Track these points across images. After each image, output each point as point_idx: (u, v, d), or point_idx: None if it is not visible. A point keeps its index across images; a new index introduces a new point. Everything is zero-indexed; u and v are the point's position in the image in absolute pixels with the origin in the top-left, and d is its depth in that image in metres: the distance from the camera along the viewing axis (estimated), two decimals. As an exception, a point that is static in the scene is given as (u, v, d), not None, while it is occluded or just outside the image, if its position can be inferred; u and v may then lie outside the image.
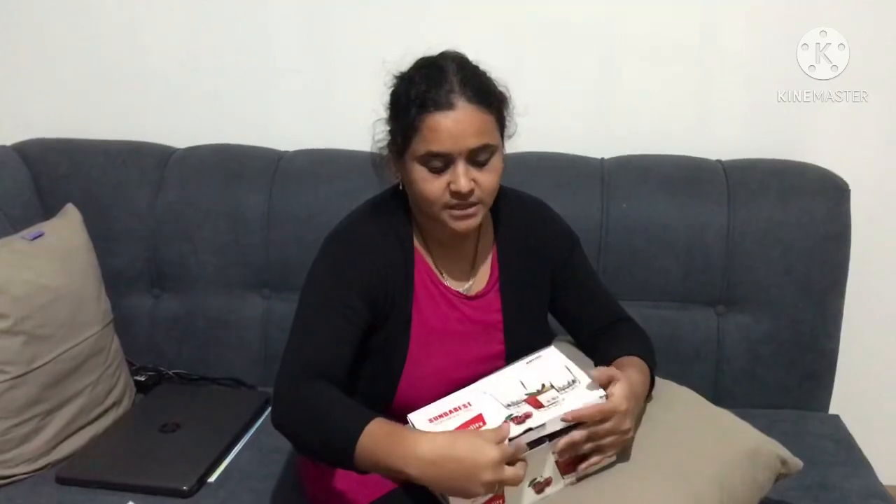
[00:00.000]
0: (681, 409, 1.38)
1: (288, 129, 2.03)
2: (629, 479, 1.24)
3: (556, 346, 1.38)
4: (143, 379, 1.89)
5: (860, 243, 1.80)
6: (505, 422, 1.17)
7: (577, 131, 1.95)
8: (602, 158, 1.91)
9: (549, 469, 1.22)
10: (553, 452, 1.21)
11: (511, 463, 1.14)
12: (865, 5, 1.85)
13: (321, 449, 1.22)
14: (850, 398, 1.90)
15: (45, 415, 1.61)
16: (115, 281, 1.88)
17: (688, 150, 1.90)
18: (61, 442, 1.64)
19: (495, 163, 1.30)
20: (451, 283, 1.41)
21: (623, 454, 1.27)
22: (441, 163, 1.27)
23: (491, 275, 1.44)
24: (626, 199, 1.82)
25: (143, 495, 1.50)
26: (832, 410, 1.86)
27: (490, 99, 1.29)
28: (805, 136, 1.92)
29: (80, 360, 1.67)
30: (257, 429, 1.75)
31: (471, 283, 1.43)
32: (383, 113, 1.37)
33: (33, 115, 2.09)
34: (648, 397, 1.37)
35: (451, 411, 1.22)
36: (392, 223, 1.39)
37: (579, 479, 1.25)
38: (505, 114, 1.33)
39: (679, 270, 1.80)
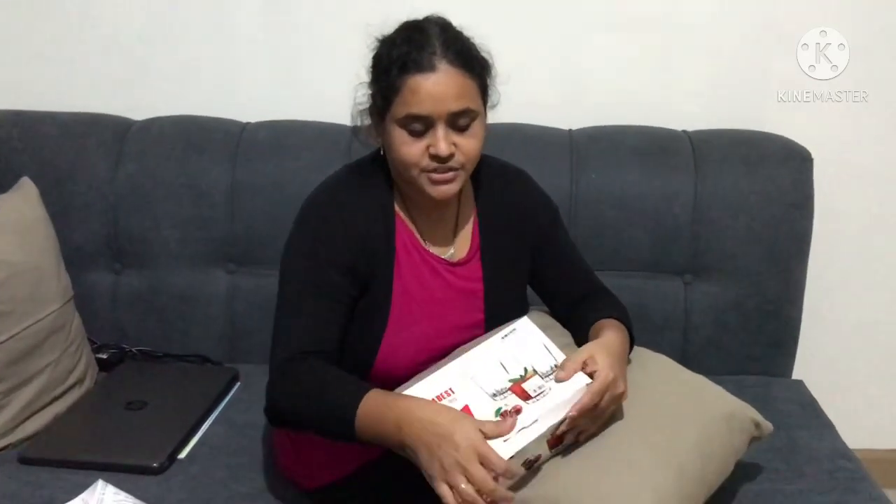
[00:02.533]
0: (659, 376, 1.40)
1: (250, 100, 1.99)
2: (615, 448, 1.24)
3: (530, 318, 1.37)
4: (105, 357, 1.84)
5: (822, 212, 1.84)
6: (496, 418, 1.16)
7: (545, 102, 1.94)
8: (570, 129, 1.91)
9: (540, 448, 1.21)
10: (547, 435, 1.20)
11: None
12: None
13: (321, 423, 1.22)
14: (812, 364, 1.94)
15: (5, 394, 1.56)
16: (74, 257, 1.82)
17: (654, 121, 1.91)
18: (23, 422, 1.59)
19: (476, 129, 1.28)
20: (433, 249, 1.40)
21: (617, 414, 1.28)
22: (421, 126, 1.25)
23: (472, 242, 1.43)
24: (595, 170, 1.83)
25: (113, 473, 1.45)
26: (795, 376, 1.90)
27: (472, 63, 1.27)
28: (767, 108, 1.95)
29: (41, 338, 1.62)
30: (226, 404, 1.72)
31: (452, 249, 1.42)
32: (357, 80, 1.35)
33: (-18, 86, 2.01)
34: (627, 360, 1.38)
35: (436, 399, 1.20)
36: (372, 188, 1.37)
37: (564, 450, 1.25)
38: (488, 81, 1.32)
39: (647, 240, 1.82)
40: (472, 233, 1.43)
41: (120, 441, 1.56)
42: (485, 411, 1.17)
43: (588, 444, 1.25)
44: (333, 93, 1.80)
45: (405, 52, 1.24)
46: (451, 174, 1.29)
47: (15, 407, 1.58)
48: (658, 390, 1.35)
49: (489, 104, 1.35)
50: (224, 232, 1.86)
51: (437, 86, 1.23)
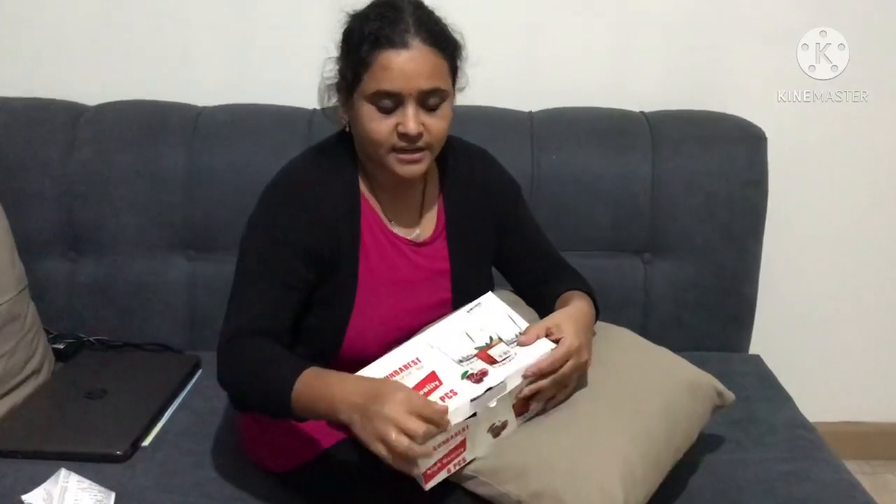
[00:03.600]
0: (622, 348, 1.42)
1: (206, 84, 1.96)
2: (583, 416, 1.26)
3: (495, 294, 1.38)
4: (62, 347, 1.80)
5: (777, 190, 1.87)
6: (462, 380, 1.18)
7: (506, 85, 1.94)
8: (530, 111, 1.92)
9: (505, 413, 1.22)
10: (512, 398, 1.21)
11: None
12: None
13: (260, 400, 1.24)
14: (768, 339, 1.98)
15: (-41, 386, 1.53)
16: (27, 245, 1.77)
17: (612, 103, 1.93)
18: (-22, 414, 1.56)
19: (445, 109, 1.28)
20: (398, 230, 1.39)
21: (582, 381, 1.30)
22: (391, 103, 1.24)
23: (437, 222, 1.43)
24: (555, 152, 1.84)
25: (76, 462, 1.42)
26: (752, 351, 1.94)
27: (445, 43, 1.27)
28: (719, 88, 1.97)
29: (-5, 328, 1.59)
30: (189, 392, 1.71)
31: (418, 230, 1.41)
32: (317, 61, 1.34)
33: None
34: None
35: (401, 369, 1.21)
36: (337, 168, 1.36)
37: (531, 418, 1.27)
38: (458, 62, 1.32)
39: (606, 220, 1.84)
40: (438, 213, 1.43)
41: (81, 430, 1.53)
42: (451, 376, 1.19)
43: (554, 414, 1.26)
44: (291, 75, 1.80)
45: (378, 27, 1.23)
46: (418, 154, 1.28)
47: (-31, 399, 1.54)
48: (622, 361, 1.38)
49: (458, 86, 1.35)
50: (182, 218, 1.84)
51: (409, 63, 1.22)
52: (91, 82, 1.94)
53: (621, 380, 1.33)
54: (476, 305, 1.32)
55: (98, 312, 1.86)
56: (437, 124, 1.27)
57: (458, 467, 1.19)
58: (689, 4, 1.93)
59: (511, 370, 1.20)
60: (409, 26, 1.23)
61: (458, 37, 1.31)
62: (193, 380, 1.75)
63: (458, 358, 1.22)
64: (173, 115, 1.88)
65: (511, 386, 1.19)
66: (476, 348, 1.24)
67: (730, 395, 1.44)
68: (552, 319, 1.28)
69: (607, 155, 1.85)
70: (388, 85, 1.23)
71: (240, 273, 1.32)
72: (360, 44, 1.24)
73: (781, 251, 2.00)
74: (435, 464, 1.16)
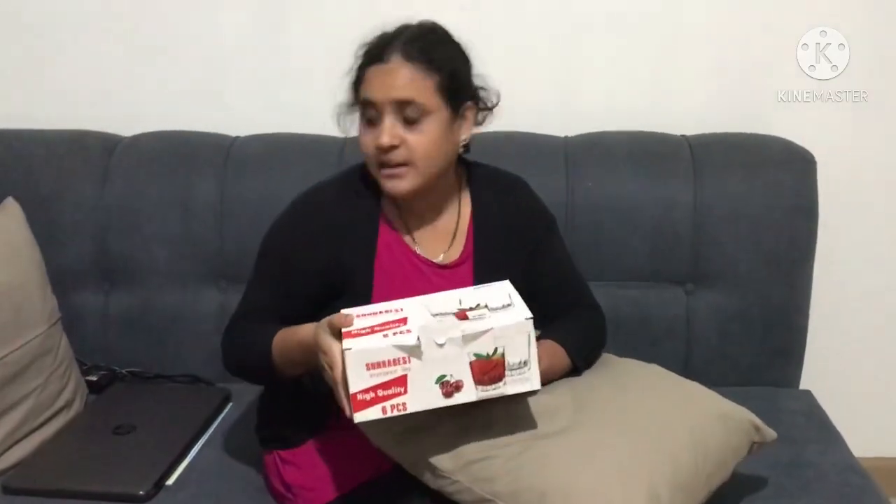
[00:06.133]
0: (651, 382, 1.38)
1: (238, 114, 1.95)
2: (606, 444, 1.21)
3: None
4: (95, 379, 1.80)
5: (827, 216, 1.78)
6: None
7: (539, 109, 1.90)
8: (565, 136, 1.86)
9: (460, 370, 1.13)
10: (469, 353, 1.13)
11: None
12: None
13: (258, 377, 1.40)
14: (820, 373, 1.89)
15: (-11, 421, 1.53)
16: (61, 278, 1.79)
17: (652, 126, 1.86)
18: (7, 449, 1.55)
19: (429, 126, 1.27)
20: (424, 252, 1.38)
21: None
22: (374, 113, 1.27)
23: (465, 246, 1.41)
24: (591, 178, 1.79)
25: (98, 502, 1.42)
26: (803, 386, 1.84)
27: (429, 60, 1.27)
28: (767, 108, 1.90)
29: (26, 363, 1.59)
30: (217, 426, 1.69)
31: (443, 255, 1.40)
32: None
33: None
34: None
35: (381, 312, 1.18)
36: (359, 191, 1.37)
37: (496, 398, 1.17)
38: (457, 84, 1.30)
39: (646, 249, 1.77)
40: (467, 237, 1.41)
41: (106, 468, 1.52)
42: (417, 322, 1.14)
43: (577, 440, 1.21)
44: (322, 105, 1.77)
45: (368, 48, 1.30)
46: (399, 169, 1.28)
47: (-1, 434, 1.55)
48: (649, 394, 1.34)
49: (474, 119, 1.36)
50: (214, 249, 1.83)
51: (386, 75, 1.26)
52: (123, 114, 1.95)
53: (646, 411, 1.29)
54: (486, 286, 1.26)
55: (130, 344, 1.86)
56: (416, 140, 1.27)
57: (395, 411, 1.12)
58: (734, 21, 1.87)
59: (477, 328, 1.12)
60: (393, 45, 1.27)
61: (455, 56, 1.32)
62: (222, 414, 1.73)
63: (435, 312, 1.17)
64: (206, 145, 1.88)
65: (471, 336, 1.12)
66: (458, 309, 1.18)
67: (770, 433, 1.36)
68: None
69: (646, 181, 1.78)
70: (367, 94, 1.27)
71: (253, 273, 1.41)
72: (357, 63, 1.31)
73: (833, 277, 1.91)
74: (367, 390, 1.10)
